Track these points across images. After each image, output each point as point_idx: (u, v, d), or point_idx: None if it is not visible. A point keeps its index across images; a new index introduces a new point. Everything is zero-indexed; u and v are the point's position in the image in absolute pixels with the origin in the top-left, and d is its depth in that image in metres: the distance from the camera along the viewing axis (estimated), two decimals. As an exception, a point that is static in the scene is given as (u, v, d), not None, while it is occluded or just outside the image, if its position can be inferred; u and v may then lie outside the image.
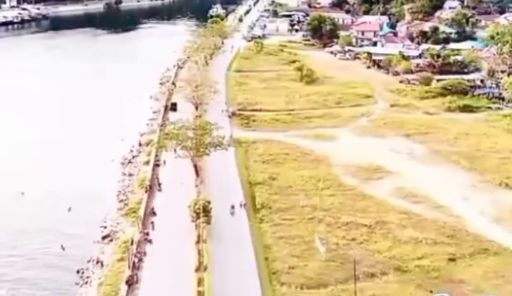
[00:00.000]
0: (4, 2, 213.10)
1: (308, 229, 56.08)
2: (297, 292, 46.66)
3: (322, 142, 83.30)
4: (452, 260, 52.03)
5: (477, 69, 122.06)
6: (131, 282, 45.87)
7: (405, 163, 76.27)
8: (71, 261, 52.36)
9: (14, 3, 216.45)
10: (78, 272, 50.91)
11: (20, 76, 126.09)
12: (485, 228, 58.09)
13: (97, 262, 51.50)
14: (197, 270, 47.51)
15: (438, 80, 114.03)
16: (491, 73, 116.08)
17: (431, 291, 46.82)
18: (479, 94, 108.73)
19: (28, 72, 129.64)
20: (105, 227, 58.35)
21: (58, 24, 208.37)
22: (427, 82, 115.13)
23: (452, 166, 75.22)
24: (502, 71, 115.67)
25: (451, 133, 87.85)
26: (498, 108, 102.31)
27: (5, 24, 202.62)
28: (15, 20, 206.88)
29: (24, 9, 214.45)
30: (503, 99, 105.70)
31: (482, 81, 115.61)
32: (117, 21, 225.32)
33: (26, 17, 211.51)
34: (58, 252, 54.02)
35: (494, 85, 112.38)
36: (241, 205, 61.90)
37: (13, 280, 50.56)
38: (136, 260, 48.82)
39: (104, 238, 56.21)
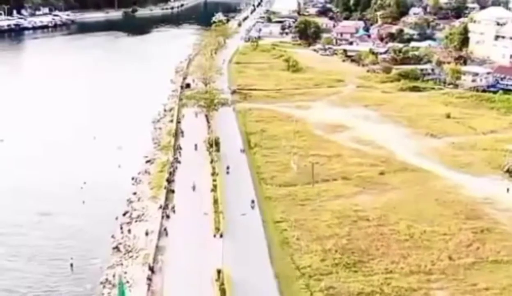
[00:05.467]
0: (39, 10, 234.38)
1: (287, 158, 75.98)
2: (277, 188, 66.71)
3: (301, 110, 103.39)
4: (381, 173, 71.91)
5: (429, 61, 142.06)
6: (169, 180, 66.02)
7: (361, 122, 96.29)
8: (126, 173, 72.29)
9: (47, 10, 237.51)
10: (132, 178, 70.83)
11: (65, 67, 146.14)
12: (409, 158, 77.97)
13: (145, 172, 71.70)
14: (212, 174, 67.54)
15: (397, 69, 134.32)
16: (439, 63, 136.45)
17: (363, 188, 67.07)
18: (428, 80, 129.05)
19: (67, 64, 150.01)
20: (147, 156, 78.51)
21: (84, 28, 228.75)
22: (388, 71, 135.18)
23: (396, 124, 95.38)
24: (448, 62, 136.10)
25: (399, 104, 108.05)
26: (440, 88, 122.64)
27: (41, 27, 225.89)
28: (49, 25, 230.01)
29: (56, 15, 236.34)
30: (445, 82, 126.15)
31: (432, 70, 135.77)
32: (134, 26, 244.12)
33: (58, 22, 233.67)
34: (116, 168, 74.07)
35: (441, 73, 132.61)
36: (241, 151, 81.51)
37: (91, 174, 71.19)
38: (171, 170, 69.00)
39: (147, 162, 76.32)
